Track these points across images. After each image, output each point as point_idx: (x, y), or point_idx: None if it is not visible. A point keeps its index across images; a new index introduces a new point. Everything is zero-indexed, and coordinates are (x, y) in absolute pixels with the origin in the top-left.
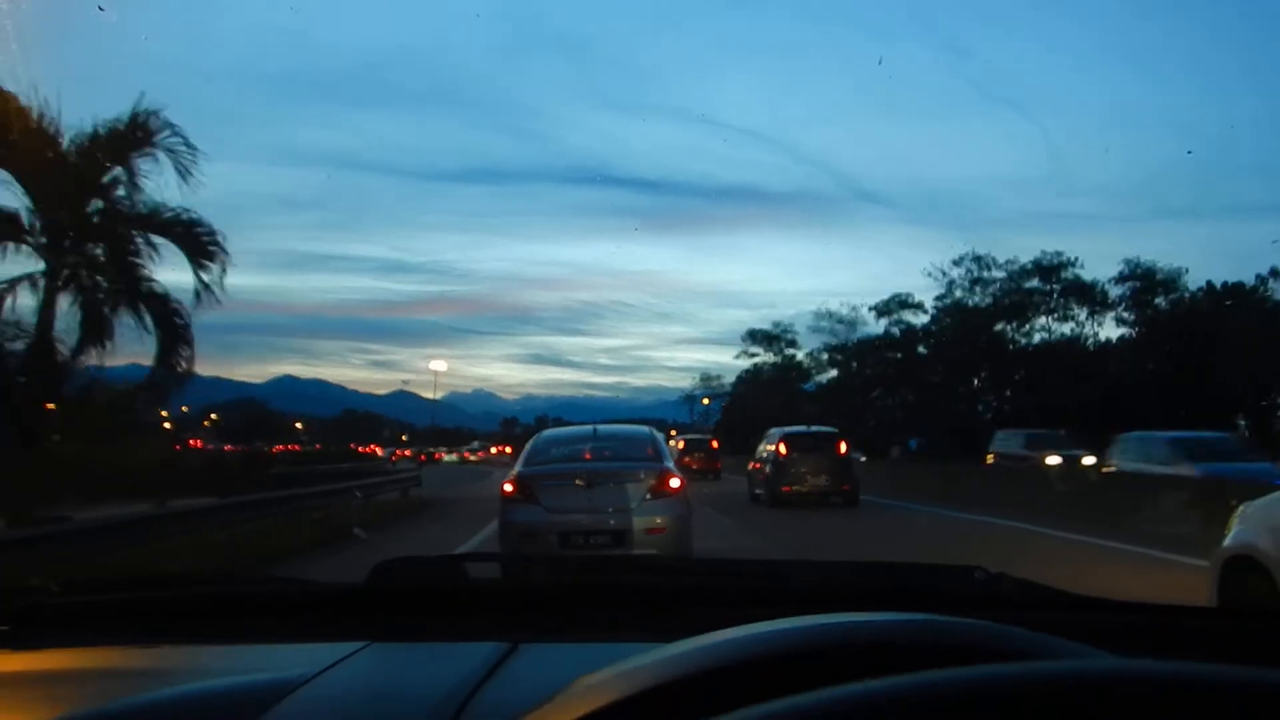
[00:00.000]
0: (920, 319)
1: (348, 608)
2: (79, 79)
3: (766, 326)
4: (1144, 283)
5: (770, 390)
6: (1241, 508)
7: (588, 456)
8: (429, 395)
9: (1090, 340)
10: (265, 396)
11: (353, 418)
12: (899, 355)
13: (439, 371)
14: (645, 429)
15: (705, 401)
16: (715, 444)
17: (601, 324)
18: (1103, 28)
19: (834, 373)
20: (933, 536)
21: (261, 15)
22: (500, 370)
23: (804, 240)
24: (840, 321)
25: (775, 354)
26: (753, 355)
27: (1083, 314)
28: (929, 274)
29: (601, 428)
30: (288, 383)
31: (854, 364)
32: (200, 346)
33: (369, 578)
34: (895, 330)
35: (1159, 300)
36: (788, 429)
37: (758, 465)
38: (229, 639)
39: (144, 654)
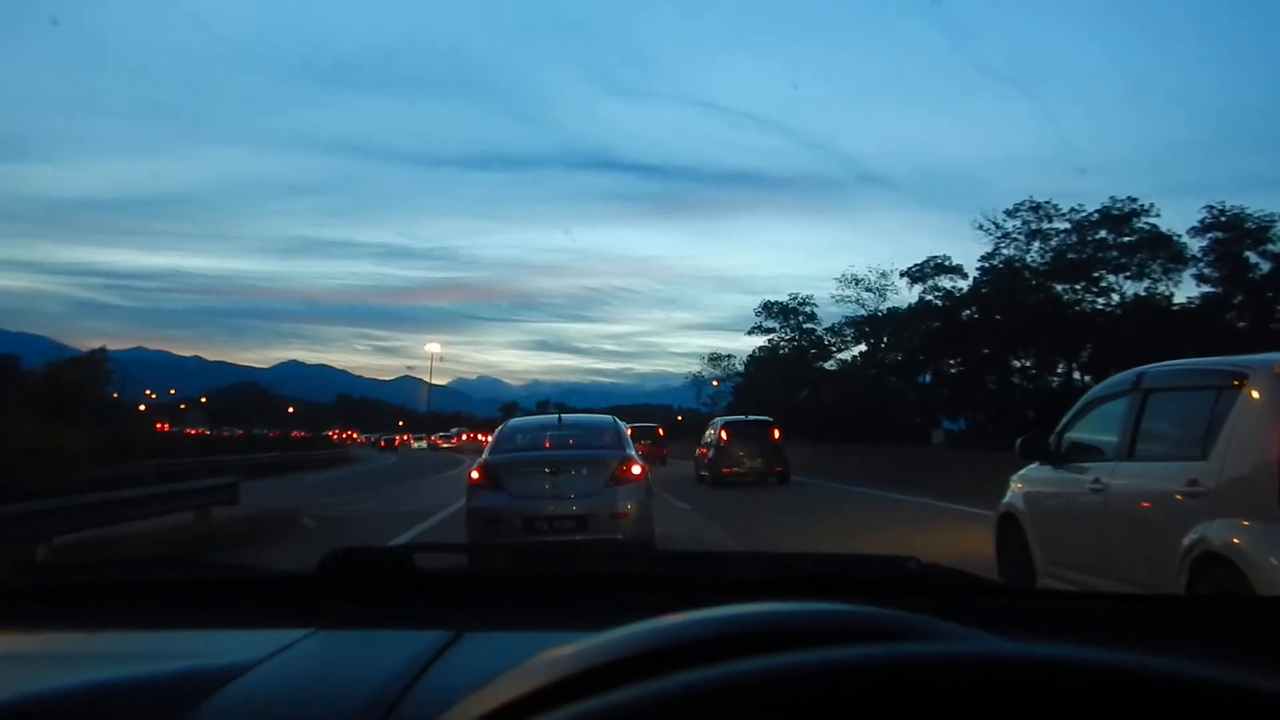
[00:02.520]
0: (960, 284)
1: (296, 595)
2: (117, 64)
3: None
4: (1230, 233)
5: (787, 369)
6: (1013, 478)
7: (551, 445)
8: (433, 381)
9: (1168, 301)
10: (270, 382)
11: (348, 403)
12: (936, 324)
13: (436, 354)
14: (608, 418)
15: (714, 384)
16: (662, 432)
17: (606, 310)
18: (1110, 4)
19: (861, 348)
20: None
21: (272, 5)
22: (506, 356)
23: (809, 224)
24: (868, 289)
25: (792, 329)
26: (768, 331)
27: (1156, 270)
28: (980, 226)
29: (566, 417)
30: (293, 368)
31: (886, 336)
32: (206, 331)
33: (319, 566)
34: (932, 298)
35: (1249, 254)
36: (729, 418)
37: (703, 450)
38: (175, 625)
39: (87, 639)
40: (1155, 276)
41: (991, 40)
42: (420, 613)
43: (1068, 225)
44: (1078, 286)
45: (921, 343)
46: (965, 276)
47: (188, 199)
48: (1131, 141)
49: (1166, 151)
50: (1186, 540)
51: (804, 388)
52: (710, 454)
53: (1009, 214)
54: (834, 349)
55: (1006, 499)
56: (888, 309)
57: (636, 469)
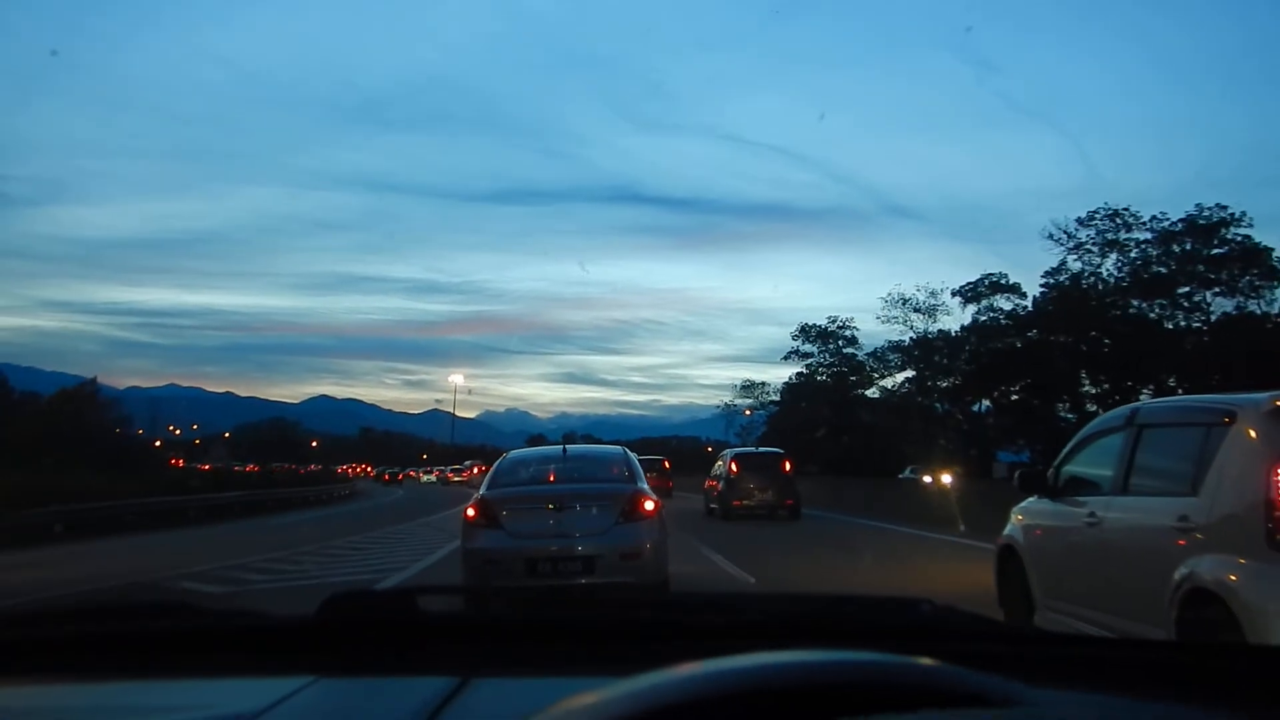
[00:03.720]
0: (1020, 303)
1: (297, 641)
2: (148, 106)
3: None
4: None
5: (826, 397)
6: (1013, 510)
7: (555, 478)
8: (461, 414)
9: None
10: (299, 416)
11: (371, 437)
12: (995, 345)
13: (461, 386)
14: (618, 449)
15: (747, 413)
16: (667, 464)
17: (634, 342)
18: (1134, 39)
19: (908, 373)
20: None
21: (300, 45)
22: (534, 389)
23: (837, 256)
24: (916, 310)
25: (831, 354)
26: (805, 356)
27: (1247, 285)
28: (1050, 236)
29: (572, 448)
30: (323, 402)
31: (940, 359)
32: (239, 367)
33: (319, 610)
34: (987, 318)
35: None
36: (738, 450)
37: (713, 483)
38: (173, 674)
39: (80, 691)
40: (1247, 293)
41: (1019, 74)
42: (424, 658)
43: (1149, 235)
44: (1163, 302)
45: (978, 367)
46: (1024, 296)
47: (220, 237)
48: (1160, 173)
49: (1194, 183)
50: (1176, 575)
51: (843, 416)
52: (720, 486)
53: (1082, 223)
54: (876, 375)
55: (1007, 531)
56: (937, 330)
57: (649, 504)
